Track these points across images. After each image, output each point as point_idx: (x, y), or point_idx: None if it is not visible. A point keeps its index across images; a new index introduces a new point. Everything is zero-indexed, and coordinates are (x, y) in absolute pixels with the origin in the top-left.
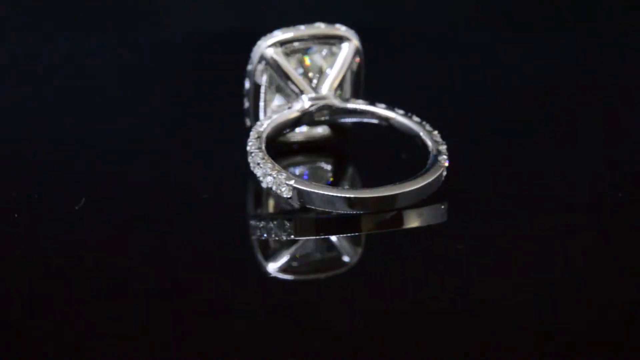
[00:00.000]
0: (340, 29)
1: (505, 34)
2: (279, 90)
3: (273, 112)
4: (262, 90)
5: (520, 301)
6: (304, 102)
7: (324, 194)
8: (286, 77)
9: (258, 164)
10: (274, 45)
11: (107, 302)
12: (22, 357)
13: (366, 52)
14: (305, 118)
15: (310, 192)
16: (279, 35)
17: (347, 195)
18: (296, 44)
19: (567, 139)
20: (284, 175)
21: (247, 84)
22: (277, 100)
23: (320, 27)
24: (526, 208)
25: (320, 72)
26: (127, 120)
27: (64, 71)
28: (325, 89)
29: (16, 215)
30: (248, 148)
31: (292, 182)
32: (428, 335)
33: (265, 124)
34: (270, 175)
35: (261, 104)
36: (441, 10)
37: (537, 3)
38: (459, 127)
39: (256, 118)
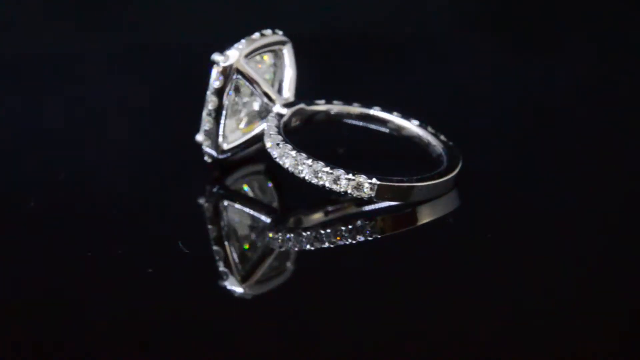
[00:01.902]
0: (279, 33)
1: (502, 38)
2: (233, 109)
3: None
4: (225, 108)
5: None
6: (280, 110)
7: (407, 186)
8: (258, 87)
9: (323, 171)
10: (243, 57)
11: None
12: None
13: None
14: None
15: (394, 186)
16: (245, 46)
17: (429, 183)
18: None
19: (568, 139)
20: (362, 176)
21: (212, 103)
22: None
23: (268, 34)
24: (528, 207)
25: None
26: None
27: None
28: (286, 93)
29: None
30: (297, 158)
31: (374, 180)
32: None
33: (281, 136)
34: (346, 179)
35: (221, 123)
36: (439, 14)
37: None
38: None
39: (216, 139)
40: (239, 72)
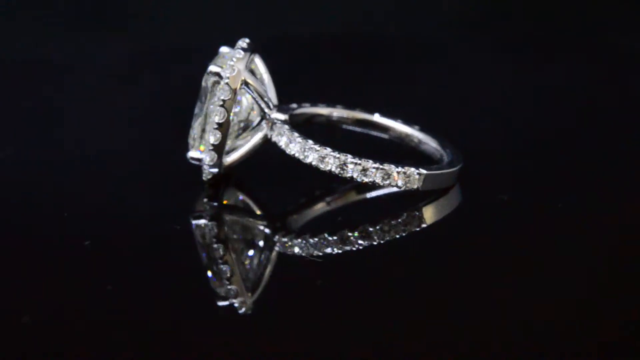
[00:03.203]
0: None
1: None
2: None
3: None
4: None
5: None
6: (279, 115)
7: (449, 172)
8: (259, 96)
9: (373, 167)
10: (245, 67)
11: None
12: None
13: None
14: None
15: (439, 174)
16: (244, 56)
17: (455, 169)
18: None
19: (569, 141)
20: (411, 168)
21: (219, 117)
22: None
23: (249, 42)
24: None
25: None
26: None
27: None
28: (274, 99)
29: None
30: (342, 159)
31: (422, 170)
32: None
33: (312, 140)
34: (397, 172)
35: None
36: (438, 17)
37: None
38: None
39: (222, 154)
40: (245, 83)
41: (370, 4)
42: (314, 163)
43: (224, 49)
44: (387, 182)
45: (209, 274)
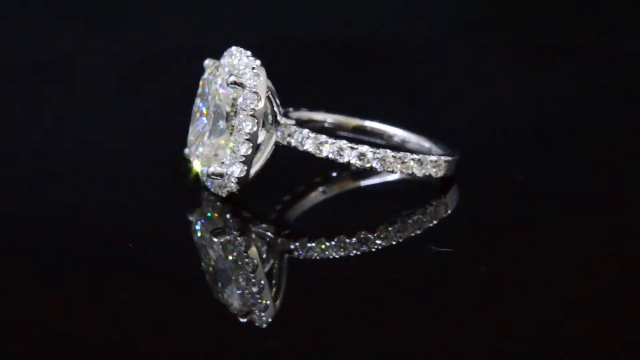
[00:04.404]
0: None
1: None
2: None
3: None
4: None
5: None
6: (288, 121)
7: (457, 158)
8: (275, 102)
9: (411, 159)
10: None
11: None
12: None
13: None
14: None
15: (455, 159)
16: (260, 64)
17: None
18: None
19: (570, 145)
20: (440, 157)
21: (252, 127)
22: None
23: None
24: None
25: None
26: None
27: None
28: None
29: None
30: (382, 155)
31: (448, 158)
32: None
33: (345, 140)
34: (430, 161)
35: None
36: (439, 20)
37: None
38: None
39: (250, 167)
40: (270, 89)
41: (369, 5)
42: (352, 161)
43: (208, 62)
44: (423, 171)
45: (235, 291)
